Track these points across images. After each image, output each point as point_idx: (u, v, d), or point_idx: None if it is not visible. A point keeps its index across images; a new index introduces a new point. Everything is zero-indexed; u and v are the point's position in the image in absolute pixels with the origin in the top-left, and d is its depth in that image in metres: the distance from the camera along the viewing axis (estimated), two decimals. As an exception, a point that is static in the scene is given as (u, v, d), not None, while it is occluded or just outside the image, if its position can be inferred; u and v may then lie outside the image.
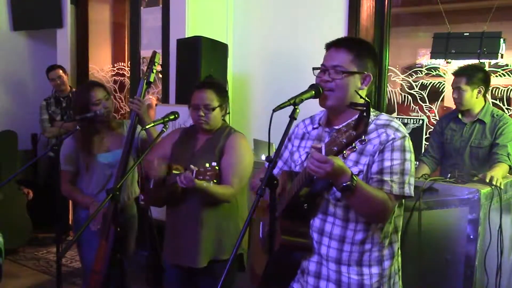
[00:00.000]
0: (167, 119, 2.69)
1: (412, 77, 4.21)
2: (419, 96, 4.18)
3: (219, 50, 4.05)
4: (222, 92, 2.68)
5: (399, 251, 1.95)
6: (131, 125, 2.88)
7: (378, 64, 3.74)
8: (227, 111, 2.75)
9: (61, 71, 5.17)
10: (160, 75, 4.69)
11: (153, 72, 2.91)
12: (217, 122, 2.66)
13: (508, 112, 3.75)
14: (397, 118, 3.83)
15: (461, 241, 2.63)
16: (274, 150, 1.80)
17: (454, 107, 3.42)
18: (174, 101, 4.22)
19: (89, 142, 2.91)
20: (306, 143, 1.96)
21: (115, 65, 5.98)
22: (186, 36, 4.17)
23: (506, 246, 2.82)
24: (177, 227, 2.68)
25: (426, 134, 3.75)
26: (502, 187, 2.74)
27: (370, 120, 1.51)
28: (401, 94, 4.25)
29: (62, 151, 2.93)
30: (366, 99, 1.73)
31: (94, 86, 2.95)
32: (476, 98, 3.21)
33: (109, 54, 6.09)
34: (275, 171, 1.97)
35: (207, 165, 2.28)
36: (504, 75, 3.92)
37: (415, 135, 3.62)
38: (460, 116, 3.31)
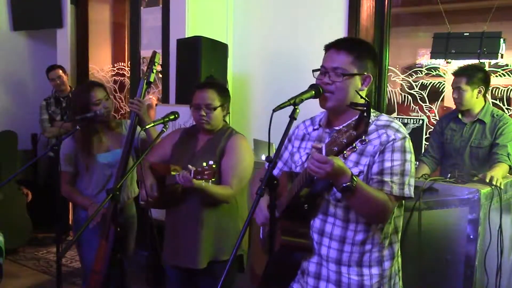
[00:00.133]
0: (167, 119, 2.69)
1: (412, 77, 4.21)
2: (419, 96, 4.18)
3: (219, 50, 4.05)
4: (223, 92, 2.69)
5: (399, 251, 1.95)
6: (131, 125, 2.88)
7: (378, 64, 3.77)
8: (228, 111, 2.76)
9: (61, 71, 5.17)
10: (160, 75, 4.69)
11: (153, 72, 2.91)
12: (219, 122, 2.67)
13: (508, 112, 3.75)
14: (397, 118, 3.83)
15: (461, 241, 2.63)
16: (274, 150, 1.80)
17: (454, 107, 3.42)
18: (174, 101, 4.22)
19: (88, 142, 2.91)
20: (307, 144, 1.96)
21: (115, 65, 5.98)
22: (186, 36, 4.17)
23: (506, 246, 2.82)
24: (177, 228, 2.68)
25: (426, 134, 3.75)
26: (502, 187, 2.74)
27: (370, 120, 1.51)
28: (401, 94, 4.25)
29: (61, 151, 2.93)
30: (367, 99, 1.73)
31: (94, 86, 2.94)
32: (477, 98, 3.21)
33: (109, 54, 6.08)
34: (275, 172, 1.97)
35: (204, 164, 2.28)
36: (504, 75, 3.92)
37: (415, 135, 3.62)
38: (460, 116, 3.31)
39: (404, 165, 1.76)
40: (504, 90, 3.91)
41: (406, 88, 4.23)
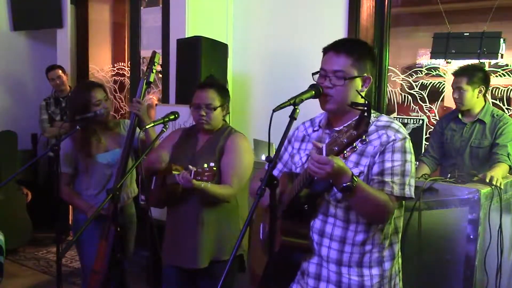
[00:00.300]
0: (167, 119, 2.69)
1: (412, 77, 4.21)
2: (419, 96, 4.18)
3: (219, 50, 4.04)
4: (223, 92, 2.69)
5: (400, 252, 1.95)
6: (130, 126, 2.88)
7: (377, 63, 3.77)
8: (228, 111, 2.76)
9: (60, 71, 5.16)
10: (160, 75, 4.69)
11: (153, 72, 2.91)
12: (218, 122, 2.67)
13: (508, 112, 3.75)
14: (397, 118, 3.84)
15: (461, 241, 2.62)
16: (274, 150, 1.80)
17: (454, 107, 3.42)
18: (174, 101, 4.22)
19: (87, 143, 2.91)
20: (307, 145, 1.96)
21: (115, 65, 5.98)
22: (186, 36, 4.17)
23: (506, 246, 2.82)
24: (177, 227, 2.69)
25: (426, 134, 3.75)
26: (502, 187, 2.74)
27: (370, 121, 1.51)
28: (401, 94, 4.25)
29: (61, 152, 2.93)
30: (367, 99, 1.73)
31: (94, 87, 2.94)
32: (477, 98, 3.21)
33: (109, 54, 6.08)
34: (275, 173, 1.97)
35: (205, 165, 2.29)
36: (504, 75, 3.92)
37: (415, 135, 3.62)
38: (460, 116, 3.31)
39: (405, 166, 1.76)
40: (504, 90, 3.91)
41: (406, 88, 4.23)
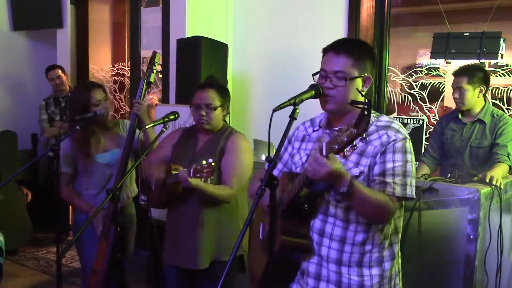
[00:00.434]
0: (167, 119, 2.69)
1: (412, 77, 4.21)
2: (419, 96, 4.18)
3: (219, 50, 4.04)
4: (224, 92, 2.69)
5: (400, 252, 1.95)
6: (130, 126, 2.88)
7: (377, 63, 3.77)
8: (228, 111, 2.76)
9: (60, 71, 5.16)
10: (160, 75, 4.69)
11: (153, 72, 2.91)
12: (218, 122, 2.67)
13: (508, 112, 3.75)
14: (397, 118, 3.84)
15: (461, 241, 2.62)
16: (274, 150, 1.80)
17: (454, 107, 3.42)
18: (174, 101, 4.22)
19: (87, 143, 2.91)
20: (307, 145, 1.96)
21: (115, 65, 5.98)
22: (186, 36, 4.16)
23: (506, 246, 2.82)
24: (177, 228, 2.69)
25: (426, 134, 3.75)
26: (502, 187, 2.74)
27: (370, 121, 1.51)
28: (401, 94, 4.25)
29: (61, 152, 2.93)
30: (367, 98, 1.73)
31: (93, 87, 2.94)
32: (477, 97, 3.21)
33: (109, 54, 6.08)
34: (275, 173, 1.97)
35: (204, 162, 2.29)
36: (504, 75, 3.92)
37: (415, 135, 3.62)
38: (460, 116, 3.31)
39: (406, 166, 1.76)
40: (504, 90, 3.91)
41: (406, 88, 4.23)
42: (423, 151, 3.58)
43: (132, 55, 5.25)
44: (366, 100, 1.48)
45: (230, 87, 4.29)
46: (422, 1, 4.46)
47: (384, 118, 1.84)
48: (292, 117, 1.68)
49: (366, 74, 1.82)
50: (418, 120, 3.70)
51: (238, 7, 4.50)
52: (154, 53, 2.94)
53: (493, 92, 3.92)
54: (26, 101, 5.83)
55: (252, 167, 2.68)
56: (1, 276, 2.85)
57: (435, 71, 4.13)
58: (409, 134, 1.85)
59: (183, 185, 2.40)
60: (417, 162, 3.36)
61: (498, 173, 2.84)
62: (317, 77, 1.84)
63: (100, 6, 5.98)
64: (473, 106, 3.24)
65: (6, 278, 3.18)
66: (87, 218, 2.80)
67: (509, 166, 3.02)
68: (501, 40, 3.45)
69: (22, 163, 5.11)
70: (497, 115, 3.20)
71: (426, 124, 3.74)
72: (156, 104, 4.85)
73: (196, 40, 3.87)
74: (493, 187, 2.70)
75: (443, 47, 3.61)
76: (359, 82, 1.81)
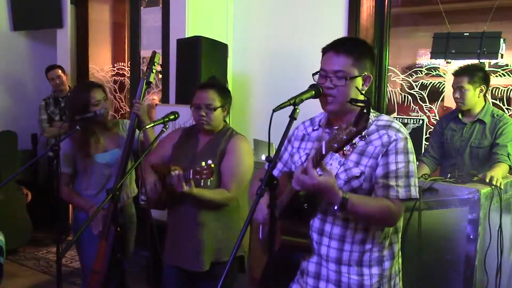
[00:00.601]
0: (167, 119, 2.69)
1: (412, 77, 4.21)
2: (419, 96, 4.18)
3: (219, 50, 4.04)
4: (224, 92, 2.68)
5: (400, 252, 1.95)
6: (130, 126, 2.88)
7: (377, 63, 3.77)
8: (229, 112, 2.75)
9: (60, 71, 5.16)
10: (160, 75, 4.69)
11: (153, 72, 2.91)
12: (219, 122, 2.66)
13: (508, 112, 3.75)
14: (397, 118, 3.83)
15: (461, 241, 2.62)
16: (274, 150, 1.80)
17: (454, 107, 3.42)
18: (174, 101, 4.22)
19: (86, 143, 2.91)
20: (306, 144, 1.96)
21: (115, 65, 5.98)
22: (186, 36, 4.16)
23: (506, 246, 2.82)
24: (177, 229, 2.68)
25: (426, 134, 3.75)
26: (502, 187, 2.74)
27: (370, 120, 1.51)
28: (401, 94, 4.25)
29: (61, 152, 2.93)
30: (366, 96, 1.74)
31: (93, 87, 2.94)
32: (478, 97, 3.21)
33: (109, 54, 6.08)
34: (275, 173, 1.98)
35: (203, 163, 2.29)
36: (504, 75, 3.92)
37: (415, 135, 3.62)
38: (460, 116, 3.31)
39: (408, 167, 1.77)
40: (504, 90, 3.91)
41: (406, 88, 4.23)
42: (423, 151, 3.58)
43: (132, 55, 5.25)
44: (366, 98, 1.48)
45: (230, 87, 4.29)
46: (422, 1, 4.46)
47: (384, 118, 1.84)
48: (292, 117, 1.68)
49: (366, 73, 1.82)
50: (418, 120, 3.70)
51: (238, 7, 4.50)
52: (154, 53, 2.94)
53: (493, 92, 3.92)
54: (26, 101, 5.83)
55: (253, 169, 2.68)
56: (1, 276, 2.85)
57: (435, 71, 4.13)
58: (409, 134, 1.85)
59: (177, 190, 2.40)
60: (417, 162, 3.35)
61: (498, 173, 2.84)
62: (317, 77, 1.84)
63: (100, 6, 5.98)
64: (473, 106, 3.24)
65: (6, 278, 3.18)
66: (87, 218, 2.80)
67: (509, 166, 3.02)
68: (501, 40, 3.45)
69: (22, 163, 5.11)
70: (497, 115, 3.20)
71: (426, 124, 3.74)
72: (156, 104, 4.85)
73: (196, 40, 3.86)
74: (493, 187, 2.70)
75: (443, 47, 3.61)
76: (359, 81, 1.81)
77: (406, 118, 3.80)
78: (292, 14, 4.22)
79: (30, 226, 5.07)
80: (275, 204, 1.61)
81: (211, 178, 2.34)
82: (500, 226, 2.73)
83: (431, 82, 4.14)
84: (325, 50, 1.85)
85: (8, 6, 5.84)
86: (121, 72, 5.90)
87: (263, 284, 1.93)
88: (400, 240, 1.93)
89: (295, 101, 1.70)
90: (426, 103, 4.16)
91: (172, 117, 2.71)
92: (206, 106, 2.59)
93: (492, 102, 3.86)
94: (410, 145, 1.79)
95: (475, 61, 3.53)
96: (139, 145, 2.96)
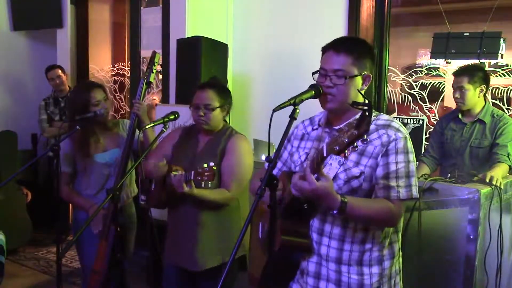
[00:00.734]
0: (167, 119, 2.69)
1: (412, 77, 4.21)
2: (419, 96, 4.18)
3: (219, 50, 4.04)
4: (223, 92, 2.68)
5: (400, 251, 1.95)
6: (130, 127, 2.89)
7: (377, 63, 3.77)
8: (229, 113, 2.74)
9: (60, 71, 5.16)
10: (160, 75, 4.69)
11: (153, 72, 2.91)
12: (217, 122, 2.66)
13: (508, 112, 3.75)
14: (397, 118, 3.83)
15: (461, 241, 2.62)
16: (274, 150, 1.80)
17: (454, 107, 3.42)
18: (174, 101, 4.22)
19: (86, 143, 2.91)
20: (306, 143, 1.96)
21: (115, 65, 5.98)
22: (186, 36, 4.17)
23: (506, 246, 2.82)
24: (177, 229, 2.68)
25: (426, 134, 3.75)
26: (502, 187, 2.74)
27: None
28: (401, 94, 4.25)
29: (61, 151, 2.93)
30: (368, 99, 1.74)
31: (94, 87, 2.94)
32: (478, 97, 3.21)
33: (109, 54, 6.08)
34: (274, 172, 1.97)
35: (205, 165, 2.29)
36: (504, 75, 3.92)
37: (415, 135, 3.62)
38: (460, 116, 3.31)
39: (409, 167, 1.77)
40: (504, 90, 3.91)
41: (406, 88, 4.24)
42: (423, 151, 3.58)
43: (132, 55, 5.25)
44: (367, 101, 1.48)
45: (230, 87, 4.29)
46: (422, 1, 4.46)
47: (384, 117, 1.84)
48: (292, 117, 1.68)
49: (365, 73, 1.82)
50: (418, 120, 3.70)
51: (238, 7, 4.50)
52: (154, 53, 2.94)
53: (493, 92, 3.92)
54: (26, 101, 5.83)
55: (253, 169, 2.68)
56: (2, 275, 2.85)
57: (435, 71, 4.13)
58: (409, 134, 1.85)
59: (178, 191, 2.40)
60: (417, 162, 3.36)
61: (498, 173, 2.84)
62: (316, 76, 1.84)
63: (100, 6, 5.98)
64: (473, 106, 3.24)
65: (6, 278, 3.18)
66: (87, 218, 2.80)
67: (509, 166, 3.02)
68: (501, 40, 3.46)
69: (22, 163, 5.11)
70: (497, 115, 3.20)
71: (426, 124, 3.74)
72: (156, 104, 4.85)
73: (196, 40, 3.86)
74: (493, 187, 2.70)
75: (443, 47, 3.62)
76: (358, 80, 1.81)
77: (406, 118, 3.80)
78: (292, 14, 4.22)
79: (30, 226, 5.07)
80: (275, 204, 1.62)
81: (213, 181, 2.34)
82: (500, 226, 2.73)
83: (431, 82, 4.14)
84: (325, 49, 1.85)
85: (8, 6, 5.85)
86: (121, 72, 5.90)
87: (263, 284, 1.93)
88: (400, 239, 1.93)
89: (295, 101, 1.70)
90: (426, 103, 4.16)
91: (172, 117, 2.71)
92: (204, 106, 2.59)
93: (492, 102, 3.86)
94: (410, 144, 1.79)
95: (475, 61, 3.53)
96: (139, 145, 2.96)
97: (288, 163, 2.04)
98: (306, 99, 1.75)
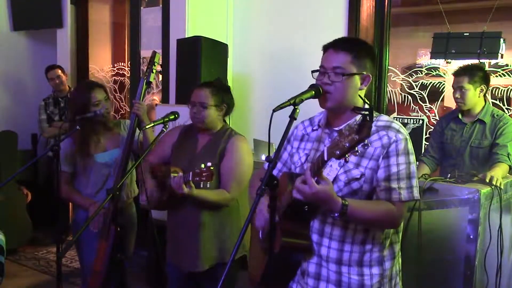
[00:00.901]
0: (167, 119, 2.69)
1: (412, 77, 4.21)
2: (419, 96, 4.18)
3: (219, 50, 4.04)
4: (221, 92, 2.67)
5: (400, 252, 1.95)
6: (130, 127, 2.88)
7: (377, 63, 3.77)
8: (227, 113, 2.74)
9: (59, 71, 5.16)
10: (160, 75, 4.69)
11: (153, 72, 2.91)
12: (213, 121, 2.65)
13: (508, 112, 3.75)
14: (397, 118, 3.84)
15: (461, 241, 2.62)
16: (274, 150, 1.80)
17: (454, 107, 3.42)
18: (174, 101, 4.22)
19: (86, 143, 2.91)
20: (306, 144, 1.95)
21: (115, 65, 5.98)
22: (186, 36, 4.17)
23: (506, 246, 2.82)
24: (178, 230, 2.68)
25: (426, 134, 3.75)
26: (502, 187, 2.74)
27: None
28: (401, 94, 4.25)
29: (61, 151, 2.93)
30: (368, 102, 1.73)
31: (94, 87, 2.94)
32: (478, 97, 3.21)
33: (109, 54, 6.08)
34: (274, 173, 1.97)
35: (203, 165, 2.29)
36: (504, 75, 3.92)
37: (415, 135, 3.62)
38: (460, 116, 3.31)
39: (410, 168, 1.77)
40: (504, 90, 3.91)
41: (406, 88, 4.24)
42: (423, 151, 3.58)
43: (132, 55, 5.25)
44: (369, 106, 1.48)
45: (230, 87, 4.29)
46: (422, 1, 4.47)
47: (384, 118, 1.84)
48: (292, 117, 1.68)
49: (365, 73, 1.81)
50: (418, 120, 3.70)
51: (238, 7, 4.50)
52: (154, 53, 2.94)
53: (493, 92, 3.92)
54: (26, 101, 5.83)
55: (252, 169, 2.67)
56: (2, 275, 2.85)
57: (435, 71, 4.13)
58: (409, 134, 1.85)
59: (177, 192, 2.40)
60: (417, 162, 3.36)
61: (498, 173, 2.84)
62: (316, 74, 1.84)
63: (100, 6, 5.98)
64: (473, 106, 3.24)
65: (6, 278, 3.18)
66: (87, 218, 2.80)
67: (509, 166, 3.02)
68: (501, 40, 3.46)
69: (22, 163, 5.10)
70: (497, 115, 3.20)
71: (426, 124, 3.75)
72: (157, 105, 4.85)
73: (196, 40, 3.86)
74: (493, 187, 2.70)
75: (443, 47, 3.62)
76: (357, 79, 1.80)
77: (406, 118, 3.80)
78: (292, 14, 4.22)
79: (30, 226, 5.07)
80: (275, 205, 1.62)
81: (211, 181, 2.34)
82: (500, 226, 2.73)
83: (431, 82, 4.14)
84: (326, 48, 1.85)
85: (8, 6, 5.85)
86: (121, 72, 5.90)
87: (263, 284, 1.93)
88: (400, 240, 1.93)
89: (295, 101, 1.69)
90: (426, 103, 4.16)
91: (172, 117, 2.71)
92: (199, 104, 2.60)
93: (492, 102, 3.86)
94: (410, 145, 1.79)
95: (475, 61, 3.53)
96: (138, 145, 2.96)
97: (288, 164, 2.04)
98: (306, 99, 1.75)
